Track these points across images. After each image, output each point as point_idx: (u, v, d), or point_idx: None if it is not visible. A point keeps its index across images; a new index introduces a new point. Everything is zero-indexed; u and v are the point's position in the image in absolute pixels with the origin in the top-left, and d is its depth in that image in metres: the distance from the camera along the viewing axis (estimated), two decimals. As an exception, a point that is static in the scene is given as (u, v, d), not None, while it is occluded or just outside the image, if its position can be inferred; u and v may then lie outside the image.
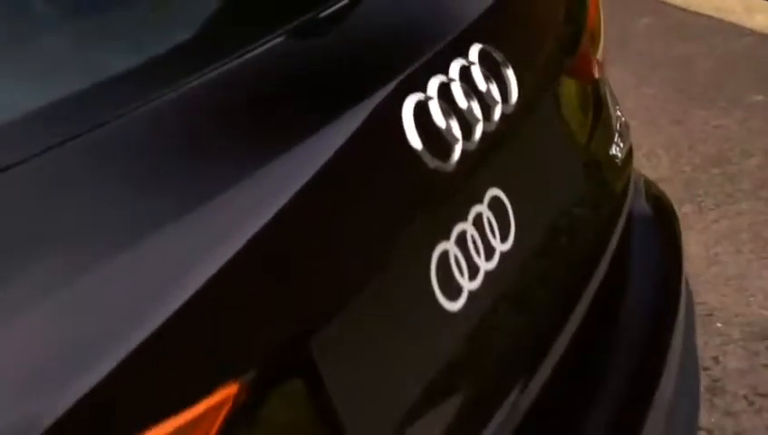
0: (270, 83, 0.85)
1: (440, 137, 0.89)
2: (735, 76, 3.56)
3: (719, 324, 2.31)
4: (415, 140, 0.87)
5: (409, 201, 0.88)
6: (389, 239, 0.85)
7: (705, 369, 2.16)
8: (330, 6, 0.94)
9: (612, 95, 1.40)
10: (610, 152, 1.28)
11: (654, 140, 3.17)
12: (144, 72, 0.82)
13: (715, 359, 2.21)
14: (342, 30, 0.93)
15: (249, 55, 0.86)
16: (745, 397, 2.10)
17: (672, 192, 2.81)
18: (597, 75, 1.31)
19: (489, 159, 0.98)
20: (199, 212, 0.70)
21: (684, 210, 2.74)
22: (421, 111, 0.88)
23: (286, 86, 0.85)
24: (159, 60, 0.84)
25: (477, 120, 0.93)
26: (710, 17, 4.09)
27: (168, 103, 0.78)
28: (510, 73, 0.99)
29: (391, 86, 0.87)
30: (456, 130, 0.90)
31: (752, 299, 2.38)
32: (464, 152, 0.91)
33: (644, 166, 2.94)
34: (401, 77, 0.88)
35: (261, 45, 0.87)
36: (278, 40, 0.89)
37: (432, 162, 0.87)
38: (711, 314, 2.34)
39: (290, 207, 0.75)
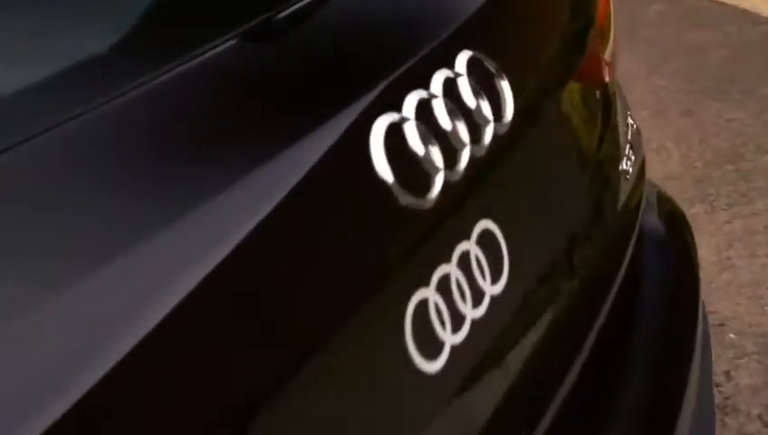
0: (208, 98, 0.70)
1: (417, 167, 0.74)
2: (750, 66, 3.41)
3: (732, 335, 2.17)
4: (385, 172, 0.71)
5: (377, 244, 0.72)
6: (351, 291, 0.70)
7: (717, 385, 2.02)
8: (289, 6, 0.79)
9: (623, 99, 1.25)
10: (621, 167, 1.13)
11: (664, 133, 3.03)
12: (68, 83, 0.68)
13: (727, 374, 2.07)
14: (301, 34, 0.77)
15: (190, 64, 0.71)
16: (760, 417, 1.96)
17: (682, 190, 2.71)
18: (606, 79, 1.16)
19: (478, 188, 0.82)
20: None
21: (694, 210, 2.60)
22: (394, 135, 0.73)
23: (228, 102, 0.70)
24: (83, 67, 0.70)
25: (464, 145, 0.78)
26: (724, 4, 3.93)
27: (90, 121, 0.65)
28: (505, 86, 0.83)
29: (357, 105, 0.72)
30: (438, 159, 0.75)
31: (767, 308, 2.23)
32: (446, 184, 0.75)
33: (653, 161, 2.80)
34: (370, 94, 0.73)
35: (206, 51, 0.73)
36: (227, 44, 0.74)
37: (406, 198, 0.72)
38: (723, 325, 2.20)
39: (227, 260, 0.60)
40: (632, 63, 3.38)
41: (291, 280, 0.66)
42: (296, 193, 0.66)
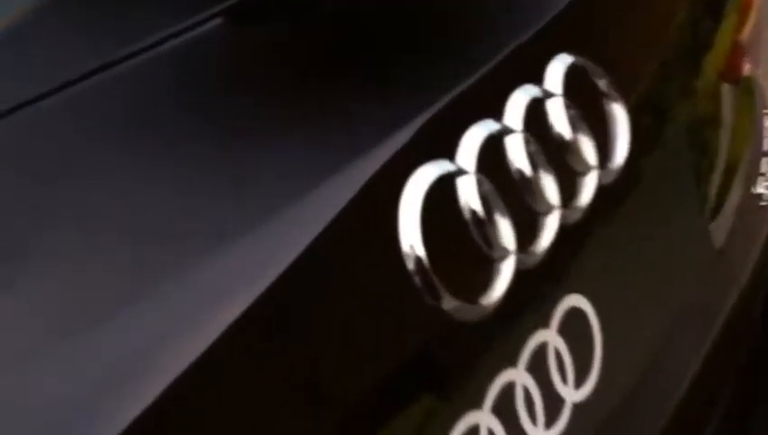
0: (162, 104, 0.47)
1: (475, 252, 0.48)
2: None
3: None
4: (421, 256, 0.45)
5: (406, 357, 0.48)
6: (366, 422, 0.46)
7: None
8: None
9: (760, 92, 0.96)
10: (754, 190, 0.86)
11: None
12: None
13: None
14: (309, 19, 0.51)
15: (150, 53, 0.50)
16: None
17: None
18: (744, 72, 0.88)
19: (565, 257, 0.56)
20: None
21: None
22: (441, 195, 0.47)
23: (189, 114, 0.48)
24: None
25: (550, 208, 0.51)
26: None
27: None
28: (618, 111, 0.55)
29: (386, 145, 0.46)
30: (508, 236, 0.48)
31: None
32: (519, 275, 0.49)
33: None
34: (407, 128, 0.47)
35: (178, 32, 0.51)
36: (207, 25, 0.51)
37: (450, 302, 0.46)
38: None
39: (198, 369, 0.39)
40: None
41: (276, 410, 0.43)
42: (283, 281, 0.42)
